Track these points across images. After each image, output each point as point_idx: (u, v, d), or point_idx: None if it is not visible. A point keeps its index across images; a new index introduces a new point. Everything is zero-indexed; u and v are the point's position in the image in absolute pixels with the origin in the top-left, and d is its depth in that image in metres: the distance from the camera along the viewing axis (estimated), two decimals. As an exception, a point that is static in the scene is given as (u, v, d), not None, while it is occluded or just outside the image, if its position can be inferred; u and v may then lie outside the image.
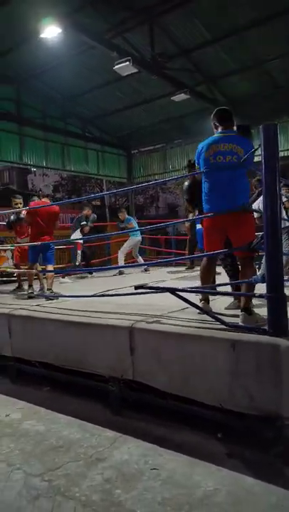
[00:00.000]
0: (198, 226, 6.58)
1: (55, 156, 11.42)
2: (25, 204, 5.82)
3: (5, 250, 8.22)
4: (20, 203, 5.93)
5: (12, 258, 6.84)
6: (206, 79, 9.43)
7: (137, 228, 7.58)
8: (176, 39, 8.33)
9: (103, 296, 4.38)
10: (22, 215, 5.68)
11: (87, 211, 7.86)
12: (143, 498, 2.09)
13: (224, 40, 8.16)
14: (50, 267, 5.24)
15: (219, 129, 3.16)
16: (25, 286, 5.46)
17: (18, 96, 10.28)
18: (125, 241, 8.21)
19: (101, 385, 3.26)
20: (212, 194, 3.13)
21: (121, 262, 7.80)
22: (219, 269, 3.85)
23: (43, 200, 5.39)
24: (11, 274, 6.70)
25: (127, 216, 8.14)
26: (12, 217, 5.92)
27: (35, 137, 10.76)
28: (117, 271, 7.82)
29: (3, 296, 5.44)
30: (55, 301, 4.61)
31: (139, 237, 8.12)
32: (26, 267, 5.49)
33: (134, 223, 8.04)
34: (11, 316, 4.05)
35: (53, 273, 5.29)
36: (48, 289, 4.86)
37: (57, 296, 4.70)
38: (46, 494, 2.18)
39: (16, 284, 6.06)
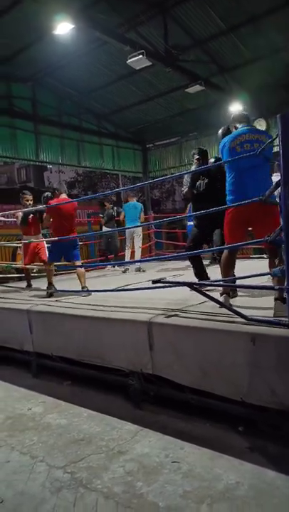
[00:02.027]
0: (190, 223, 6.39)
1: (70, 152, 11.48)
2: (39, 201, 5.69)
3: (21, 247, 8.30)
4: (32, 200, 5.90)
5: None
6: (221, 69, 9.26)
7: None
8: (189, 30, 8.21)
9: (124, 290, 4.40)
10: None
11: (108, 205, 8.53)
12: (164, 491, 2.10)
13: (239, 29, 8.00)
14: (78, 263, 5.11)
15: (241, 126, 3.20)
16: (36, 285, 5.40)
17: (34, 94, 10.37)
18: (144, 234, 8.14)
19: (121, 379, 3.29)
20: (239, 184, 3.04)
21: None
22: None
23: (61, 197, 5.09)
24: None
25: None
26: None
27: (50, 135, 10.84)
28: (128, 266, 7.47)
29: (21, 293, 5.52)
30: (72, 296, 4.64)
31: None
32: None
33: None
34: (31, 312, 4.12)
35: (83, 269, 5.10)
36: (82, 287, 4.79)
37: (90, 291, 4.62)
38: (69, 486, 2.22)
39: (26, 283, 6.09)
